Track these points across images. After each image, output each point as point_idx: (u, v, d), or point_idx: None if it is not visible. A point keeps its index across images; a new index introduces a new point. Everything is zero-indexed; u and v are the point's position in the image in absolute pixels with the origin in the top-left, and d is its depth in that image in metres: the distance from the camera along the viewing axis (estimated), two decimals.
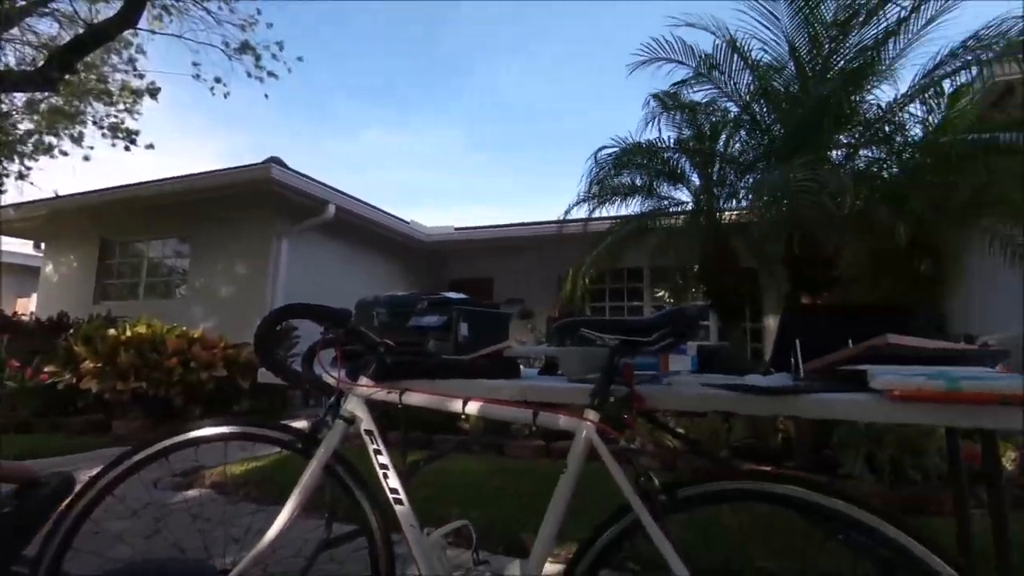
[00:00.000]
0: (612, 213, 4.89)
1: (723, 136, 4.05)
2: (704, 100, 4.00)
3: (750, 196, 3.54)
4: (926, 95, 3.05)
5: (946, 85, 3.08)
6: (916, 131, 3.21)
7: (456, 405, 1.15)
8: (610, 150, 4.49)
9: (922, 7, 2.75)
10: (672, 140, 4.29)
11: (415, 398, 1.21)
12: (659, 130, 4.27)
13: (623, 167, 4.50)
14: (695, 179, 4.30)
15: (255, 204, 6.79)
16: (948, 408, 0.87)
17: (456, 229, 9.11)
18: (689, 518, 1.07)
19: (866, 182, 3.05)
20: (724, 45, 3.48)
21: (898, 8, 2.73)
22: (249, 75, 7.05)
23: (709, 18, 3.58)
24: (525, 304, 8.54)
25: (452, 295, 1.55)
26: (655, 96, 4.13)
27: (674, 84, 3.74)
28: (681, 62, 3.61)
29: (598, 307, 8.65)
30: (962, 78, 2.97)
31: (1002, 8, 2.88)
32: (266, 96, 8.66)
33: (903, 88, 3.14)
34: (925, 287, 3.52)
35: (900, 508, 2.85)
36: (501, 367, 1.40)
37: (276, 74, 7.19)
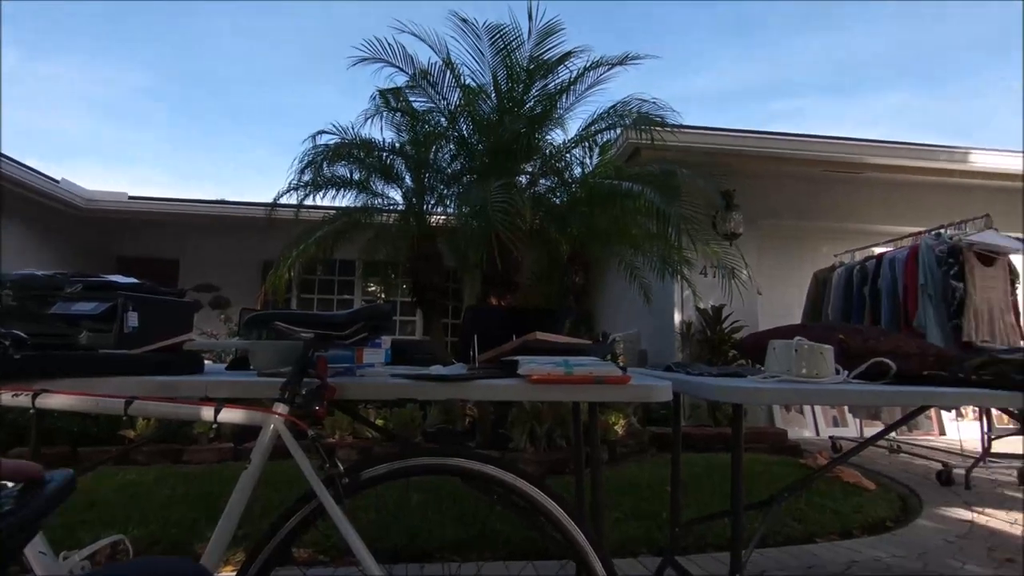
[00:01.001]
0: (327, 203, 4.79)
1: (434, 146, 4.37)
2: (422, 109, 4.27)
3: (455, 205, 3.93)
4: (586, 144, 3.92)
5: (599, 139, 4.00)
6: (577, 170, 4.08)
7: (116, 406, 1.01)
8: (330, 137, 4.40)
9: (585, 75, 3.56)
10: (391, 141, 4.44)
11: (56, 400, 1.02)
12: (381, 128, 4.37)
13: (341, 158, 4.45)
14: (408, 181, 4.53)
15: None
16: (567, 387, 1.17)
17: (131, 198, 7.53)
18: (381, 499, 1.17)
19: (543, 205, 3.75)
20: (440, 63, 3.80)
21: (568, 71, 3.46)
22: None
23: (432, 33, 3.85)
24: (220, 292, 7.62)
25: (118, 278, 1.34)
26: (381, 93, 4.21)
27: (386, 89, 3.91)
28: (401, 68, 3.80)
29: (307, 299, 8.29)
30: (608, 136, 3.92)
31: (636, 87, 3.90)
32: None
33: (571, 134, 3.95)
34: (579, 294, 4.46)
35: (548, 470, 3.57)
36: (180, 362, 1.28)
37: None
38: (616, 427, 4.23)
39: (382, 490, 1.17)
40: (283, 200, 4.59)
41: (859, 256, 4.59)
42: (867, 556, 2.33)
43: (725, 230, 5.44)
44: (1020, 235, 4.10)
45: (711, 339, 5.26)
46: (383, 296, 8.50)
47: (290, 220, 4.91)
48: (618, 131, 4.38)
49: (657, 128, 4.18)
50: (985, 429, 3.87)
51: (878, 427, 5.15)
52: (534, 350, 1.37)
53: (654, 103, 3.69)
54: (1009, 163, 5.32)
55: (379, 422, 3.95)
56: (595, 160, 4.29)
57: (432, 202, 4.51)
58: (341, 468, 1.07)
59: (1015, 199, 5.74)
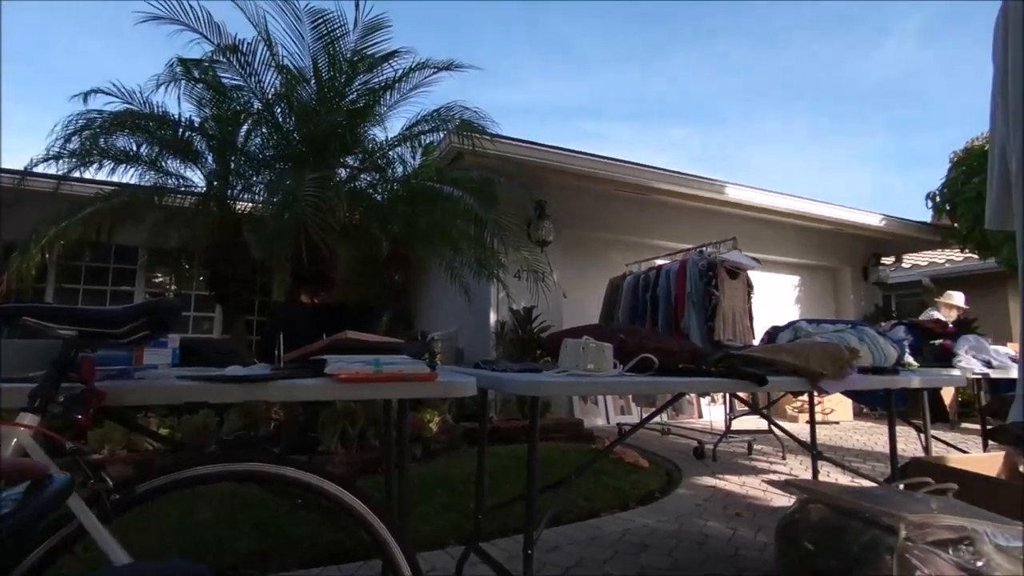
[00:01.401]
0: (103, 177, 4.06)
1: (245, 127, 4.00)
2: (231, 85, 3.87)
3: (265, 193, 3.64)
4: (409, 144, 3.94)
5: (423, 140, 4.05)
6: (400, 169, 4.08)
7: None
8: (108, 101, 3.74)
9: (410, 75, 3.58)
10: (190, 115, 3.94)
11: None
12: (179, 99, 3.85)
13: (124, 127, 3.82)
14: (211, 162, 4.07)
15: None
16: (375, 385, 1.19)
17: None
18: (162, 514, 1.05)
19: (363, 201, 3.67)
20: (256, 38, 3.49)
21: (393, 70, 3.45)
22: None
23: (250, 5, 3.50)
24: None
25: None
26: (182, 62, 3.71)
27: (189, 59, 3.47)
28: (205, 36, 3.39)
29: (71, 289, 6.90)
30: (432, 138, 3.99)
31: (459, 95, 4.03)
32: None
33: (395, 133, 3.94)
34: (399, 292, 4.44)
35: (361, 470, 3.51)
36: None
37: None
38: (431, 424, 4.31)
39: (163, 504, 1.06)
40: (39, 169, 3.79)
41: (644, 266, 5.32)
42: (638, 524, 2.73)
43: (537, 237, 5.88)
44: (756, 255, 5.16)
45: (522, 338, 5.64)
46: (174, 289, 7.46)
47: (48, 193, 4.07)
48: (442, 135, 4.48)
49: (477, 135, 4.37)
50: (728, 411, 4.76)
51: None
52: (344, 349, 1.36)
53: (476, 112, 3.86)
54: (752, 196, 6.63)
55: (164, 431, 3.48)
56: (419, 161, 4.32)
57: (239, 188, 4.11)
58: (110, 483, 0.95)
59: (756, 225, 7.17)
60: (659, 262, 5.19)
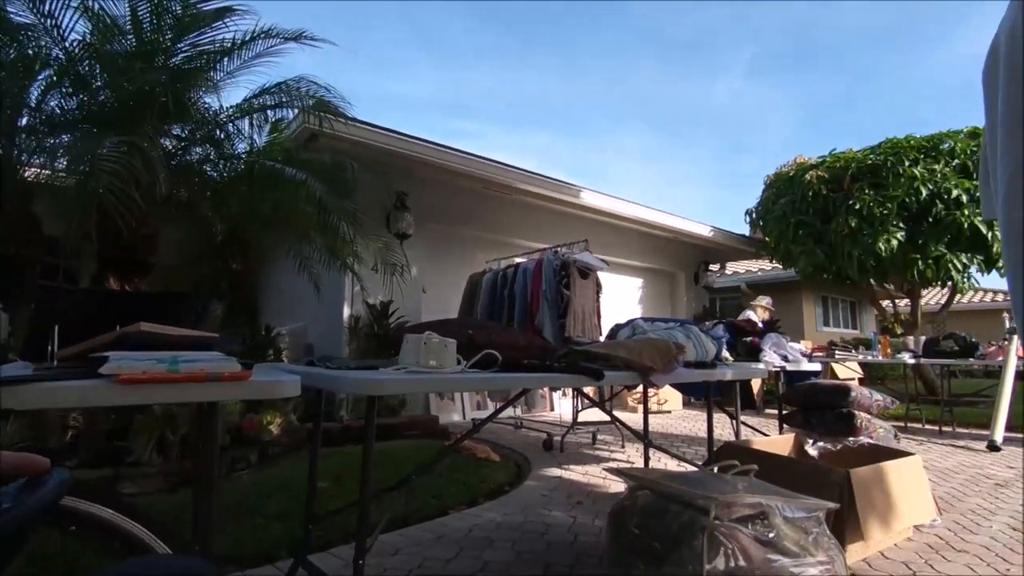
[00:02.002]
0: None
1: (43, 79, 3.32)
2: (19, 23, 3.17)
3: (65, 159, 3.05)
4: (253, 118, 3.56)
5: (270, 115, 3.69)
6: (242, 146, 3.67)
7: None
8: None
9: (254, 43, 3.22)
10: None
11: None
12: None
13: None
14: None
15: None
16: (170, 387, 1.01)
17: None
18: None
19: (194, 176, 3.23)
20: None
21: (232, 32, 3.08)
22: None
23: None
24: None
25: None
26: None
27: None
28: None
29: None
30: (281, 114, 3.65)
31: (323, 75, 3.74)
32: None
33: (236, 101, 3.53)
34: (238, 280, 4.01)
35: (181, 481, 3.10)
36: None
37: None
38: (271, 426, 3.96)
39: None
40: None
41: (503, 264, 5.41)
42: (486, 519, 2.73)
43: (397, 229, 5.71)
44: (605, 257, 5.51)
45: (378, 333, 5.43)
46: None
47: None
48: (292, 112, 4.14)
49: (332, 116, 4.10)
50: (575, 404, 5.01)
51: (507, 409, 6.16)
52: (141, 344, 1.15)
53: (327, 89, 3.59)
54: (604, 202, 7.07)
55: None
56: (266, 139, 3.93)
57: (31, 150, 3.40)
58: None
59: (607, 229, 7.67)
60: (518, 260, 5.31)
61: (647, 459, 3.42)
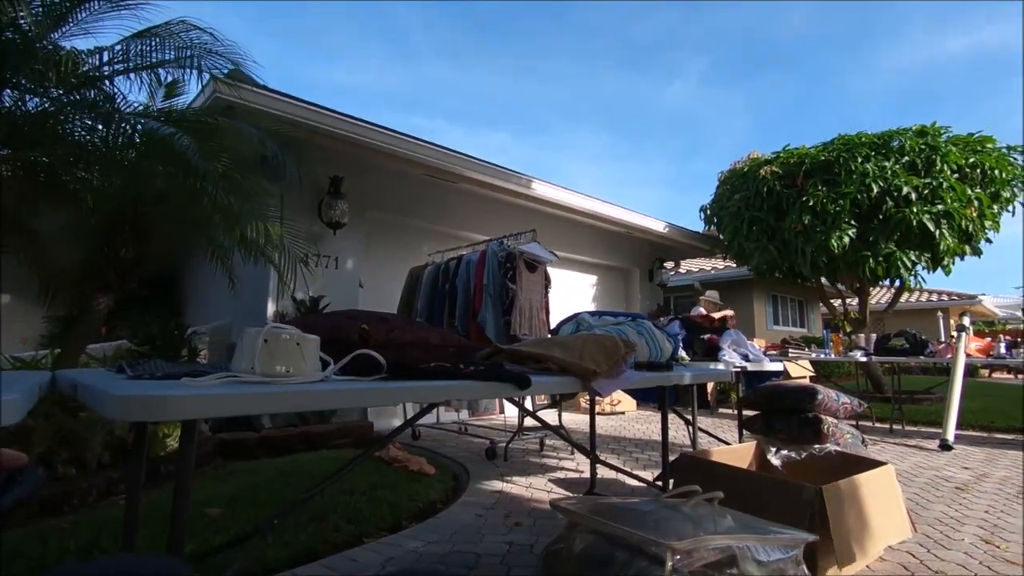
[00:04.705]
0: None
1: None
2: None
3: None
4: (140, 76, 3.00)
5: (163, 75, 3.15)
6: (131, 108, 3.10)
7: None
8: None
9: None
10: None
11: None
12: None
13: None
14: None
15: None
16: None
17: None
18: None
19: (52, 138, 2.65)
20: None
21: None
22: None
23: None
24: None
25: None
26: None
27: None
28: None
29: None
30: (178, 75, 3.12)
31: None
32: None
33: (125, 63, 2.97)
34: (128, 270, 3.43)
35: (39, 510, 2.55)
36: None
37: None
38: (168, 439, 3.42)
39: None
40: None
41: (447, 256, 4.99)
42: (406, 548, 2.32)
43: (330, 217, 5.20)
44: (557, 252, 5.16)
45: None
46: None
47: None
48: (202, 77, 3.61)
49: (241, 84, 3.60)
50: (523, 408, 4.64)
51: (452, 414, 5.75)
52: None
53: (229, 45, 3.08)
54: (556, 194, 6.74)
55: None
56: (161, 104, 3.38)
57: None
58: None
59: (560, 223, 7.34)
60: (462, 252, 4.91)
61: (594, 475, 3.07)
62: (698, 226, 9.48)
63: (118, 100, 2.92)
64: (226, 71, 3.71)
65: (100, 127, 2.92)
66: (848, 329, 8.08)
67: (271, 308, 4.95)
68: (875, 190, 6.77)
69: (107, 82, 2.87)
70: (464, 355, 1.65)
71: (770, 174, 7.59)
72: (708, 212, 9.07)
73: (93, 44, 2.79)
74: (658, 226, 8.32)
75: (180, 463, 0.93)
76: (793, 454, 2.55)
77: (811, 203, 7.07)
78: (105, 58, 2.79)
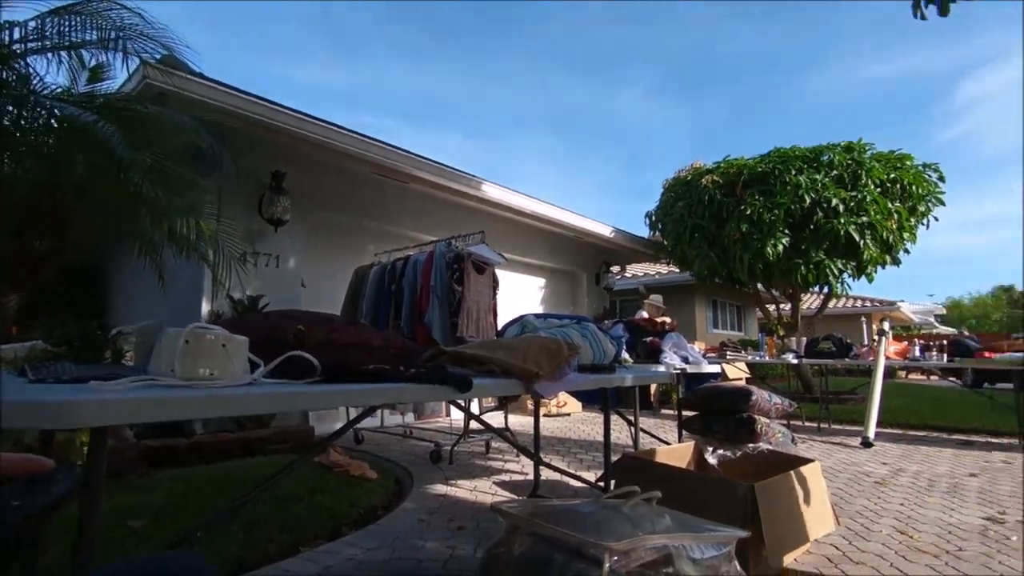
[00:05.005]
0: None
1: None
2: None
3: None
4: (60, 56, 2.79)
5: (87, 58, 2.94)
6: (47, 90, 2.88)
7: None
8: None
9: None
10: None
11: None
12: None
13: None
14: None
15: None
16: None
17: None
18: None
19: None
20: None
21: None
22: None
23: None
24: None
25: None
26: None
27: None
28: None
29: None
30: (103, 58, 2.92)
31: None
32: None
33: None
34: (39, 263, 3.18)
35: None
36: None
37: None
38: (85, 447, 3.18)
39: None
40: None
41: (394, 256, 4.90)
42: (344, 556, 2.25)
43: (271, 214, 5.01)
44: (506, 254, 5.17)
45: None
46: None
47: None
48: (130, 61, 3.41)
49: (183, 74, 3.43)
50: (468, 410, 4.60)
51: (397, 417, 5.64)
52: None
53: (160, 29, 2.91)
54: (506, 196, 6.75)
55: None
56: (84, 87, 3.15)
57: None
58: None
59: (509, 225, 7.36)
60: (409, 252, 4.83)
61: (537, 477, 3.09)
62: (644, 232, 9.74)
63: (34, 81, 2.70)
64: (158, 56, 3.52)
65: (11, 108, 2.70)
66: (781, 333, 8.49)
67: (205, 307, 4.71)
68: (807, 201, 7.15)
69: (20, 61, 2.65)
70: (406, 357, 1.61)
71: (711, 183, 7.88)
72: (653, 218, 9.32)
73: (4, 19, 2.57)
74: (605, 231, 8.48)
75: (89, 473, 0.86)
76: (729, 453, 2.65)
77: (749, 212, 7.39)
78: (17, 35, 2.57)
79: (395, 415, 5.75)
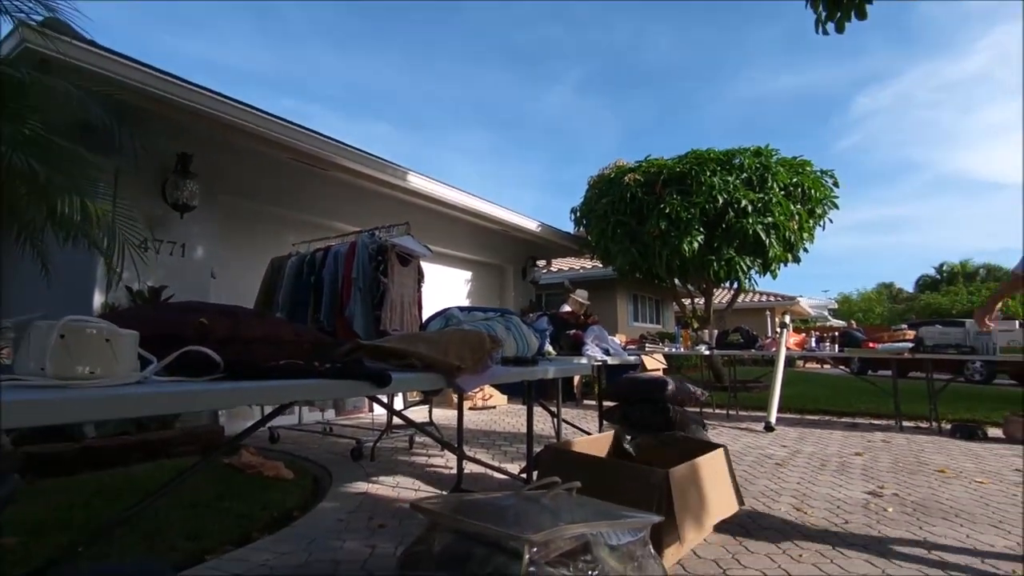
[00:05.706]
0: None
1: None
2: None
3: None
4: None
5: None
6: None
7: None
8: None
9: None
10: None
11: None
12: None
13: None
14: None
15: None
16: None
17: None
18: None
19: None
20: None
21: None
22: None
23: None
24: None
25: None
26: None
27: None
28: None
29: None
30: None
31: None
32: None
33: None
34: None
35: None
36: None
37: None
38: None
39: None
40: None
41: (314, 246, 4.69)
42: (254, 562, 2.13)
43: (176, 199, 4.64)
44: (432, 247, 5.09)
45: None
46: None
47: None
48: (3, 20, 3.04)
49: (71, 40, 3.09)
50: (391, 405, 4.51)
51: (316, 413, 5.44)
52: None
53: None
54: (433, 188, 6.65)
55: None
56: None
57: None
58: None
59: (436, 218, 7.26)
60: (331, 243, 4.64)
61: (460, 471, 3.07)
62: (569, 227, 9.93)
63: None
64: (39, 17, 3.16)
65: None
66: (695, 326, 8.96)
67: (99, 299, 4.31)
68: (720, 201, 7.57)
69: None
70: (321, 351, 1.54)
71: (633, 181, 8.16)
72: (578, 214, 9.52)
73: None
74: (532, 225, 8.57)
75: None
76: (645, 441, 2.75)
77: (667, 210, 7.72)
78: None
79: (314, 412, 5.53)
